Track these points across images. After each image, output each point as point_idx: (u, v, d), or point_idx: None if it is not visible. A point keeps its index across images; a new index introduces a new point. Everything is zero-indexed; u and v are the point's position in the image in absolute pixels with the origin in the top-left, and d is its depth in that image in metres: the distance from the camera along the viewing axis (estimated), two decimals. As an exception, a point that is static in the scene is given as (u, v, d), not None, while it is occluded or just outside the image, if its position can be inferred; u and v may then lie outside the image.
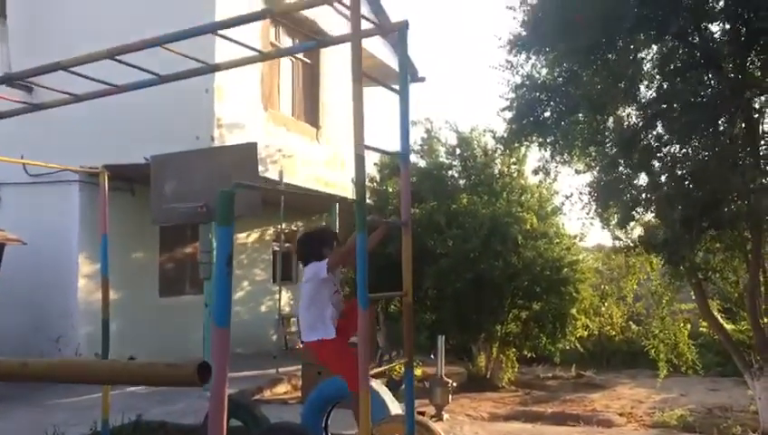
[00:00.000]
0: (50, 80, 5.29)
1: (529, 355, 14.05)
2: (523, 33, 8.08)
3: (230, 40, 4.83)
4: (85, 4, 11.30)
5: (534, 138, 10.15)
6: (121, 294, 11.18)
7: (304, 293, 5.76)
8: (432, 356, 11.27)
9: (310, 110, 13.87)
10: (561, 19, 7.16)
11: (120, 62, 5.07)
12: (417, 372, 12.60)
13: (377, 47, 15.83)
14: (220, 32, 4.87)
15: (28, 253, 10.23)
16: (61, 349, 10.66)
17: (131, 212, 11.43)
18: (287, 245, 16.01)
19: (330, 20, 11.75)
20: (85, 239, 10.99)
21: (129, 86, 5.58)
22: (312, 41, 5.56)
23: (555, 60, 8.39)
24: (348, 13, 4.03)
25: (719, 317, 9.85)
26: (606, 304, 16.26)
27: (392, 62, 17.05)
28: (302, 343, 6.02)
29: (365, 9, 15.32)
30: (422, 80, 17.91)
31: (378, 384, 6.39)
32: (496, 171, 13.75)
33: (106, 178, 7.33)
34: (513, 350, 13.39)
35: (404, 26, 5.18)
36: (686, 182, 7.51)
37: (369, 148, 4.80)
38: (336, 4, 4.42)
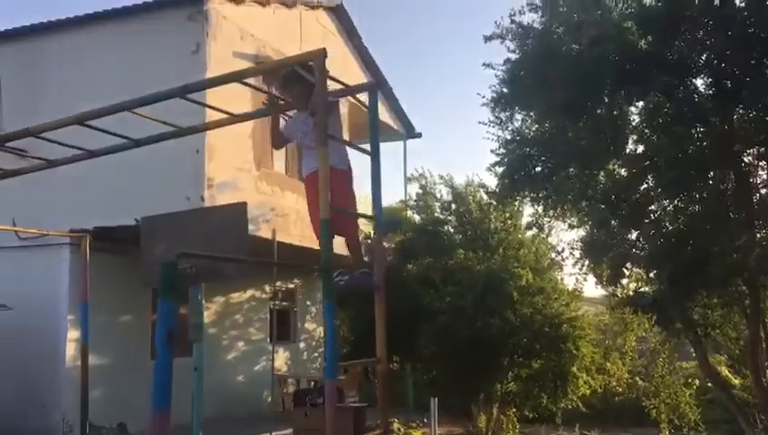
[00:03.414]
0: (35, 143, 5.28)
1: (530, 415, 13.66)
2: (504, 91, 8.08)
3: (196, 102, 4.80)
4: (78, 70, 11.41)
5: (527, 192, 10.08)
6: (112, 357, 10.98)
7: None
8: (425, 420, 10.97)
9: (304, 167, 13.86)
10: (537, 77, 7.15)
11: (88, 126, 5.06)
12: (417, 433, 12.26)
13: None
14: (211, 90, 4.86)
15: (16, 317, 10.11)
16: (47, 415, 10.43)
17: (123, 274, 11.30)
18: (284, 303, 15.83)
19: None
20: (74, 303, 10.85)
21: (100, 151, 5.56)
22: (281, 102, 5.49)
23: (539, 116, 8.37)
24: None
25: (727, 373, 9.57)
26: (610, 359, 15.88)
27: (388, 118, 17.21)
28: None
29: (356, 65, 15.51)
30: (418, 136, 17.97)
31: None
32: (492, 226, 13.64)
33: (88, 242, 7.31)
34: (514, 410, 13.04)
35: (374, 87, 5.17)
36: (674, 239, 7.37)
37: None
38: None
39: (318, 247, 4.70)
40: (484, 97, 8.59)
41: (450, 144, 51.18)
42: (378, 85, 5.11)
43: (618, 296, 9.38)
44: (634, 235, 8.30)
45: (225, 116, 5.55)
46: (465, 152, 52.88)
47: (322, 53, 4.27)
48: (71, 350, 10.88)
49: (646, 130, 8.67)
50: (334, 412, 4.13)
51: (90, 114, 4.91)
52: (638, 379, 16.36)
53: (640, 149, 8.66)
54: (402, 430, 11.95)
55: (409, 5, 49.13)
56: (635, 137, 8.92)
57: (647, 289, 8.19)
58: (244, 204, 9.58)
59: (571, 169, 9.21)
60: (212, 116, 6.31)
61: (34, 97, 11.33)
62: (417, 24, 49.81)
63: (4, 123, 11.01)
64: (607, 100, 8.04)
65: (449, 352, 11.99)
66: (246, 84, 4.72)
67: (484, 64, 8.09)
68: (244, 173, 11.78)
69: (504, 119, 9.33)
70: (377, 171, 5.07)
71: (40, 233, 8.91)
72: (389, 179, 34.15)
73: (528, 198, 10.37)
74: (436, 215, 14.07)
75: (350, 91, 5.24)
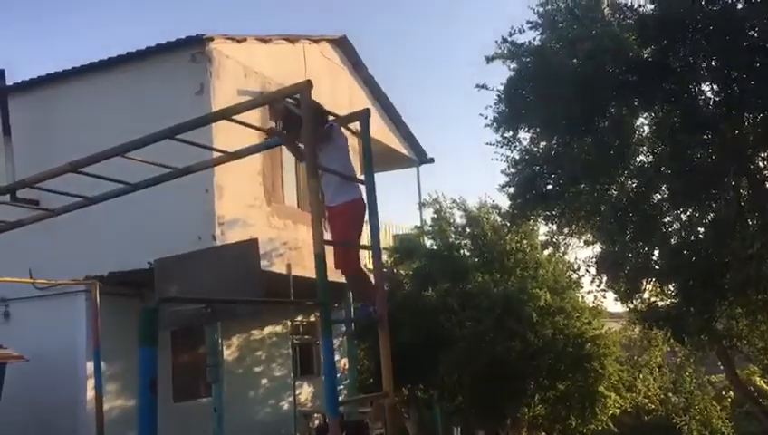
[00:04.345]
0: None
1: (560, 438, 13.35)
2: (505, 110, 8.02)
3: (185, 142, 4.78)
4: (86, 117, 11.56)
5: (539, 211, 9.96)
6: (133, 401, 10.94)
7: None
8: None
9: (316, 199, 13.85)
10: (536, 94, 7.08)
11: (83, 173, 5.08)
12: (446, 462, 12.04)
13: (384, 133, 15.99)
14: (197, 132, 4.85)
15: (35, 367, 10.12)
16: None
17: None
18: (306, 337, 15.72)
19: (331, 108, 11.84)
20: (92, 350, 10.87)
21: (97, 198, 5.59)
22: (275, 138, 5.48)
23: (543, 134, 8.28)
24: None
25: (762, 383, 9.27)
26: (641, 376, 15.49)
27: (399, 145, 17.21)
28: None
29: (363, 96, 15.56)
30: (431, 161, 17.92)
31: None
32: (507, 247, 13.47)
33: (98, 289, 7.32)
34: (543, 434, 12.74)
35: (365, 116, 5.12)
36: (686, 250, 7.19)
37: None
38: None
39: (336, 279, 4.69)
40: (486, 118, 8.55)
41: (464, 165, 51.08)
42: (368, 112, 5.05)
43: (636, 311, 9.15)
44: (647, 248, 8.12)
45: (222, 154, 5.57)
46: (480, 173, 52.73)
47: (307, 85, 4.23)
48: (90, 396, 10.87)
49: (654, 140, 8.54)
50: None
51: (82, 162, 4.94)
52: (670, 394, 15.95)
53: (649, 159, 8.52)
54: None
55: (407, 30, 49.50)
56: (644, 148, 8.79)
57: (661, 303, 7.97)
58: (256, 240, 9.57)
59: (582, 185, 9.09)
60: (218, 154, 6.27)
61: (45, 148, 11.47)
62: (417, 47, 50.14)
63: (18, 175, 11.15)
64: (611, 112, 7.93)
65: (472, 379, 11.79)
66: (235, 121, 4.71)
67: (477, 86, 8.06)
68: (255, 209, 11.79)
69: (509, 138, 9.26)
70: (372, 200, 5.01)
71: (54, 283, 8.96)
72: (406, 205, 34.07)
73: (541, 217, 10.24)
74: (450, 239, 13.93)
75: (341, 120, 5.22)
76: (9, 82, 11.82)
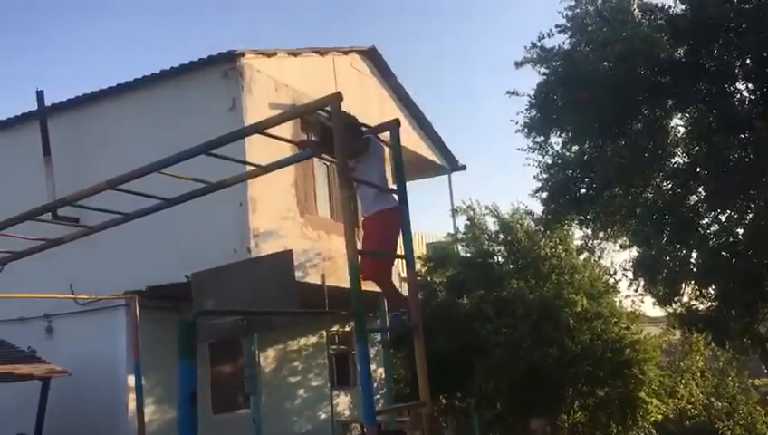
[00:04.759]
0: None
1: (601, 445, 13.14)
2: (536, 115, 7.98)
3: (218, 157, 4.84)
4: (123, 135, 11.80)
5: (574, 215, 9.87)
6: (175, 412, 11.07)
7: None
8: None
9: (349, 209, 13.90)
10: (567, 98, 7.03)
11: (120, 190, 5.18)
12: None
13: (415, 141, 16.02)
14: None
15: (78, 381, 10.32)
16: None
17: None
18: (342, 347, 15.75)
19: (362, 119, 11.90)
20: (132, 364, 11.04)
21: (133, 214, 5.69)
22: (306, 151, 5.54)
23: (574, 138, 8.22)
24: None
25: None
26: (683, 381, 15.20)
27: (430, 153, 17.21)
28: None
29: (393, 105, 15.61)
30: (463, 168, 17.86)
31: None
32: (542, 253, 13.37)
33: (137, 303, 7.45)
34: (584, 441, 12.59)
35: (395, 126, 5.14)
36: (724, 253, 7.06)
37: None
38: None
39: (370, 289, 4.71)
40: (516, 123, 8.51)
41: (495, 171, 50.79)
42: (398, 123, 5.07)
43: (676, 315, 9.00)
44: (684, 250, 8.00)
45: (255, 168, 5.64)
46: (511, 180, 52.34)
47: (337, 98, 4.26)
48: (132, 409, 11.04)
49: (689, 141, 8.42)
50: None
51: (119, 179, 5.04)
52: (712, 399, 15.62)
53: (685, 161, 8.40)
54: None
55: (438, 38, 49.47)
56: (679, 149, 8.67)
57: (701, 306, 7.83)
58: (290, 252, 9.67)
59: (617, 189, 8.99)
60: (251, 168, 6.33)
61: (83, 166, 11.73)
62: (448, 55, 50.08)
63: (58, 193, 11.41)
64: (644, 114, 7.84)
65: (509, 386, 11.70)
66: (267, 135, 4.76)
67: (508, 93, 8.04)
68: (289, 221, 11.89)
69: (541, 143, 9.21)
70: (405, 210, 5.02)
71: (95, 298, 9.16)
72: (438, 213, 34.04)
73: (576, 221, 10.15)
74: (484, 246, 13.87)
75: (372, 131, 5.24)
76: (47, 103, 12.12)
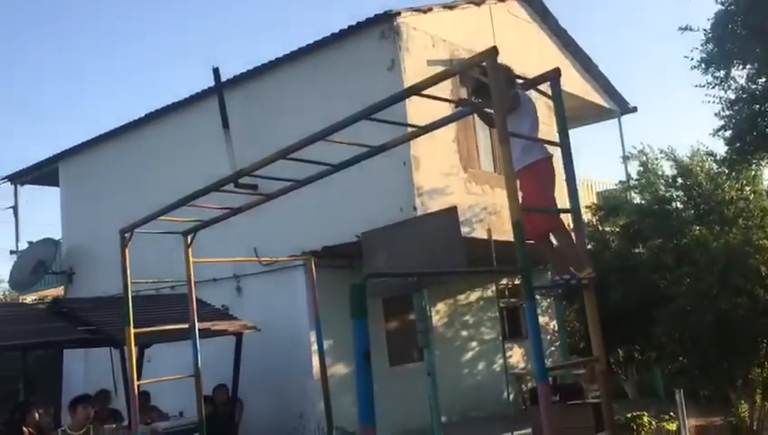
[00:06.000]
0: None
1: (803, 401, 12.12)
2: (713, 49, 7.30)
3: (379, 120, 4.93)
4: (288, 105, 12.35)
5: (763, 154, 9.07)
6: (352, 366, 11.66)
7: None
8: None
9: (512, 162, 13.68)
10: (747, 29, 6.36)
11: (291, 159, 5.45)
12: (671, 426, 11.46)
13: (580, 85, 15.36)
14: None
15: (266, 337, 11.13)
16: (305, 425, 11.32)
17: (352, 287, 11.99)
18: (512, 300, 15.69)
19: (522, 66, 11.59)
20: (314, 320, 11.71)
21: (306, 180, 5.98)
22: (468, 107, 5.49)
23: (761, 69, 7.44)
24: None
25: None
26: None
27: (598, 97, 16.40)
28: None
29: (555, 49, 14.99)
30: (634, 110, 16.90)
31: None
32: (726, 197, 12.37)
33: (313, 263, 7.87)
34: (780, 397, 11.67)
35: (555, 75, 4.95)
36: None
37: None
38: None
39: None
40: (692, 60, 7.85)
41: (667, 113, 47.40)
42: (558, 72, 4.87)
43: None
44: None
45: (415, 129, 5.70)
46: (686, 121, 48.62)
47: (493, 52, 4.16)
48: (315, 363, 11.75)
49: None
50: (550, 413, 4.04)
51: (289, 149, 5.30)
52: None
53: None
54: (654, 423, 11.26)
55: (612, -27, 46.41)
56: None
57: None
58: (455, 208, 9.73)
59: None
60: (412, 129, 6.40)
61: (255, 136, 12.48)
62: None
63: (237, 162, 12.23)
64: None
65: (692, 339, 11.06)
66: (425, 96, 4.76)
67: (680, 28, 7.41)
68: (452, 177, 11.92)
69: (722, 78, 8.47)
70: (569, 161, 4.86)
71: (275, 260, 9.80)
72: (606, 159, 32.32)
73: (765, 160, 9.31)
74: (660, 192, 13.08)
75: (530, 82, 5.08)
76: (222, 79, 12.94)
